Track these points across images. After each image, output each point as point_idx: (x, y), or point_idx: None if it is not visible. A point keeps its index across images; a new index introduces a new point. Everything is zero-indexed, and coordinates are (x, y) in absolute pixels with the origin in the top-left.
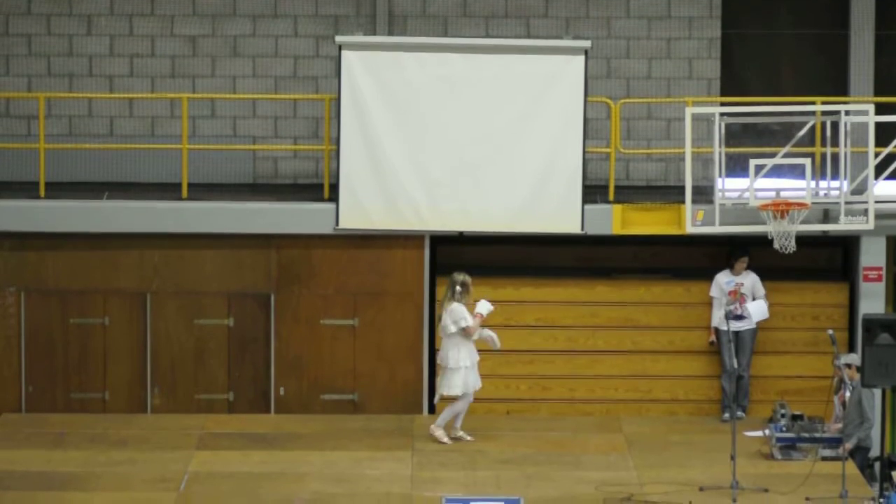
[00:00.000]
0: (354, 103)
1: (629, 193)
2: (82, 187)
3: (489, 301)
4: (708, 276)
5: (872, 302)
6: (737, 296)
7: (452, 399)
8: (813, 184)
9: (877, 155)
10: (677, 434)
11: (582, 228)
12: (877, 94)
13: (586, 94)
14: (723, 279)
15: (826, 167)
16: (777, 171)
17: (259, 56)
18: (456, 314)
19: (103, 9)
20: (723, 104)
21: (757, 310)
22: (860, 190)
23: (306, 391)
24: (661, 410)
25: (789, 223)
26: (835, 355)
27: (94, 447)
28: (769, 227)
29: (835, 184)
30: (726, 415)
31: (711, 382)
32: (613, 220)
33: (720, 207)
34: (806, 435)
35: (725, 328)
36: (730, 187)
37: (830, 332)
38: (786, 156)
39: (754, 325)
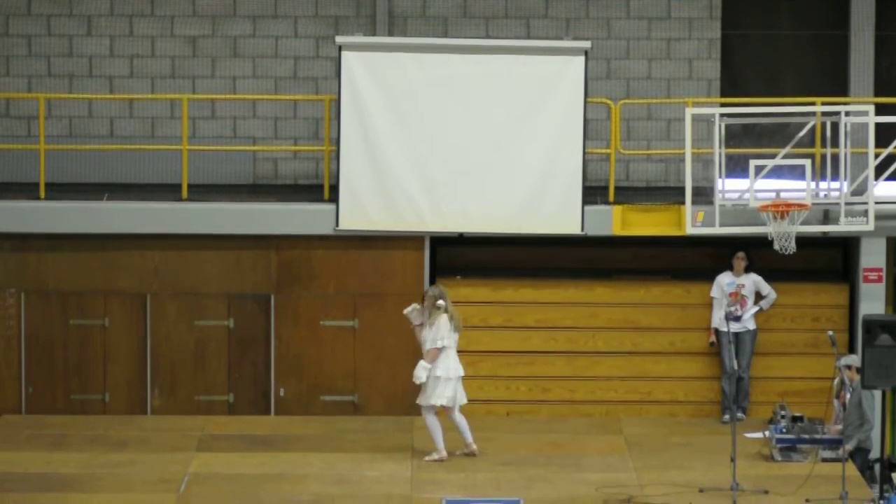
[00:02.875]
0: (354, 104)
1: (629, 194)
2: (82, 188)
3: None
4: (708, 277)
5: (872, 303)
6: (737, 297)
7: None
8: (813, 185)
9: (877, 156)
10: (677, 435)
11: (582, 229)
12: (877, 94)
13: (586, 95)
14: (724, 280)
15: (826, 168)
16: (777, 172)
17: (259, 57)
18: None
19: (103, 9)
20: (723, 105)
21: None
22: (860, 191)
23: (306, 392)
24: (661, 412)
25: (789, 224)
26: (835, 357)
27: (94, 448)
28: (769, 228)
29: (835, 185)
30: (726, 416)
31: (711, 384)
32: (613, 220)
33: (720, 208)
34: (806, 436)
35: (725, 329)
36: (730, 188)
37: (830, 333)
38: (786, 157)
39: (754, 327)
